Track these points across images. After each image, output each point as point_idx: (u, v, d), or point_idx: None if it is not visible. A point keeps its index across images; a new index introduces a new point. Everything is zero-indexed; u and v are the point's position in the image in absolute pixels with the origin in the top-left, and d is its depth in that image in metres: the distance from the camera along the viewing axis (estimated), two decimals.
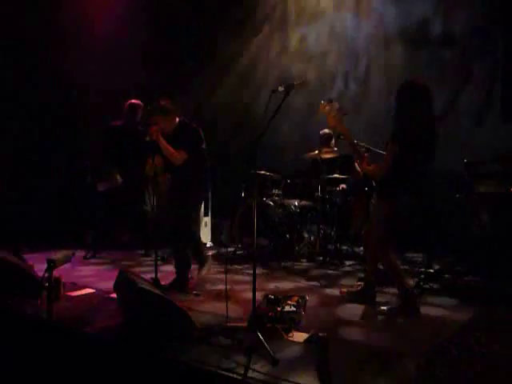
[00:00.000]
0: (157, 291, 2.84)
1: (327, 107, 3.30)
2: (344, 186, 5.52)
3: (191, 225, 4.08)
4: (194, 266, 4.20)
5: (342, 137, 5.27)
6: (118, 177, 5.29)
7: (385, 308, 3.35)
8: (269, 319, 2.93)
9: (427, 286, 3.88)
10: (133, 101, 5.39)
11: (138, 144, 5.01)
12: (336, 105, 3.29)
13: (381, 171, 3.31)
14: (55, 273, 3.17)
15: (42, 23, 6.51)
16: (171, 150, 3.89)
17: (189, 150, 3.92)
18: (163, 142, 3.87)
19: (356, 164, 4.52)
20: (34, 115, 6.70)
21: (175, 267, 4.05)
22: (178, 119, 4.06)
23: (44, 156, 6.74)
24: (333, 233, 5.41)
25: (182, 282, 3.96)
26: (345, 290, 3.71)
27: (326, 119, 3.33)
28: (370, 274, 3.61)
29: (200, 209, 4.25)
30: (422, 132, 3.21)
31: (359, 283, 3.82)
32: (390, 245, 3.36)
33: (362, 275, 4.22)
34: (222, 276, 4.25)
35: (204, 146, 4.09)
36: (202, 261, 4.26)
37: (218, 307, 3.32)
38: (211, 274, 4.44)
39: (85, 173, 6.03)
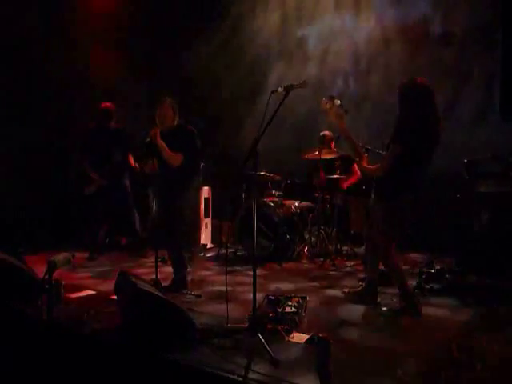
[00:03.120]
0: (157, 292, 2.83)
1: (328, 104, 3.26)
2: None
3: (181, 225, 4.06)
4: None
5: (342, 136, 5.32)
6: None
7: (385, 309, 3.34)
8: (269, 320, 2.94)
9: (428, 287, 3.88)
10: (106, 104, 5.54)
11: (119, 143, 5.40)
12: (337, 102, 3.25)
13: (381, 171, 3.28)
14: (55, 274, 3.17)
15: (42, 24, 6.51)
16: (169, 152, 3.91)
17: (185, 152, 3.95)
18: (162, 144, 3.90)
19: (355, 164, 4.51)
20: (35, 116, 6.68)
21: (172, 268, 4.05)
22: (177, 120, 4.10)
23: (43, 157, 6.72)
24: (333, 233, 5.40)
25: (181, 283, 3.96)
26: (347, 290, 3.70)
27: (327, 116, 3.29)
28: (371, 275, 3.60)
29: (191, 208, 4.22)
30: (425, 133, 3.15)
31: (361, 284, 3.82)
32: (392, 246, 3.32)
33: (362, 275, 4.22)
34: (223, 277, 4.25)
35: (199, 148, 4.11)
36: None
37: (219, 308, 3.32)
38: (211, 275, 4.42)
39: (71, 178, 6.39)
